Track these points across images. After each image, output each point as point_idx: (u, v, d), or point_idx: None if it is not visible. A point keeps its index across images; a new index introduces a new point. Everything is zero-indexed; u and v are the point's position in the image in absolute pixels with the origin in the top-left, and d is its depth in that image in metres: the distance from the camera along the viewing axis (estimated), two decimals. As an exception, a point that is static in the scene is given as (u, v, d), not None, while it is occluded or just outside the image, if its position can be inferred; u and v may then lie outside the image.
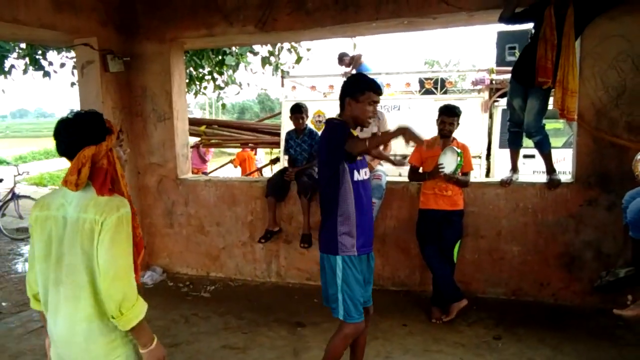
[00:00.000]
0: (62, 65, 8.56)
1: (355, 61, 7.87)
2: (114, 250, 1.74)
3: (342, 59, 8.07)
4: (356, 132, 2.78)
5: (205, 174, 9.01)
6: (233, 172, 10.61)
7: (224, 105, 10.41)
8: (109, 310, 1.75)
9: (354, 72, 7.76)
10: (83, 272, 1.76)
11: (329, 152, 2.71)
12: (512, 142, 4.62)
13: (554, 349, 3.56)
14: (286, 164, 5.44)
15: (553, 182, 4.25)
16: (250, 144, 9.16)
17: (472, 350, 3.60)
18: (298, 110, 4.94)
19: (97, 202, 1.77)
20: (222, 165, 11.09)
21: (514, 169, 4.58)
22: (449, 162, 3.85)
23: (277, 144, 8.37)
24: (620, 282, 3.46)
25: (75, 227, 1.76)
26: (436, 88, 7.39)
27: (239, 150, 10.11)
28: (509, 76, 4.75)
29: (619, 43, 3.94)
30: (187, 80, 9.05)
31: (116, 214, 1.75)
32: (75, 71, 5.77)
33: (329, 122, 2.84)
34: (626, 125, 4.01)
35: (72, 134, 1.79)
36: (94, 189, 1.79)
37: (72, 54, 7.08)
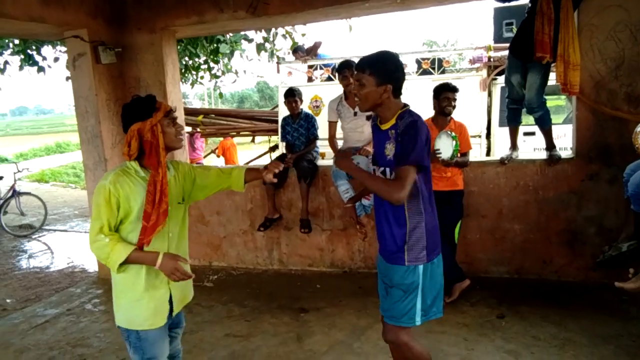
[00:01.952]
0: (56, 59, 8.49)
1: (313, 50, 8.10)
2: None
3: (296, 52, 8.21)
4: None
5: (200, 164, 8.97)
6: (216, 162, 10.48)
7: (221, 95, 10.32)
8: None
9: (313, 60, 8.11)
10: None
11: None
12: (511, 119, 4.56)
13: (557, 325, 3.54)
14: (284, 151, 5.40)
15: (553, 158, 4.21)
16: (248, 132, 9.10)
17: (475, 330, 3.58)
18: (291, 94, 4.89)
19: None
20: (205, 155, 10.94)
21: (514, 146, 4.52)
22: (445, 147, 3.74)
23: (276, 131, 8.31)
24: (623, 256, 3.43)
25: None
26: (433, 68, 7.29)
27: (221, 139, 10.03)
28: (506, 53, 4.67)
29: (617, 13, 3.86)
30: (183, 70, 8.98)
31: (97, 186, 2.11)
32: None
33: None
34: (626, 96, 3.95)
35: (123, 114, 2.18)
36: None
37: (66, 48, 7.03)
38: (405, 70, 8.21)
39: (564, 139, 6.25)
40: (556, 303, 3.91)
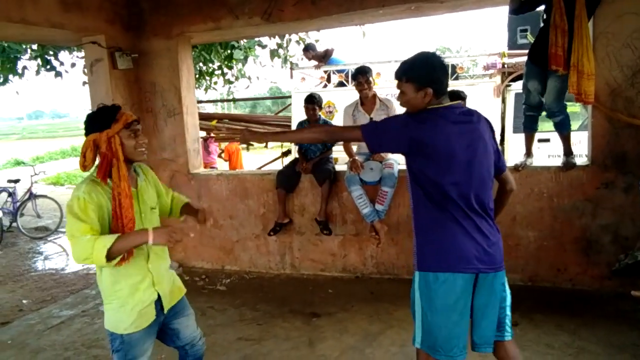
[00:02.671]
0: (73, 65, 8.64)
1: (325, 57, 8.12)
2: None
3: (307, 50, 8.16)
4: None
5: (215, 168, 9.04)
6: (225, 165, 10.49)
7: (234, 100, 10.42)
8: None
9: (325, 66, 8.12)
10: None
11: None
12: (528, 126, 4.54)
13: (572, 334, 3.51)
14: (297, 156, 5.43)
15: (569, 164, 4.18)
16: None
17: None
18: (311, 101, 4.90)
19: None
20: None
21: (529, 153, 4.50)
22: None
23: (288, 136, 8.34)
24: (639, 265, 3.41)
25: None
26: (447, 74, 7.28)
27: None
28: (520, 59, 4.66)
29: (633, 20, 3.84)
30: (197, 76, 9.09)
31: (70, 199, 2.05)
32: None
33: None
34: (642, 104, 3.91)
35: (85, 122, 2.14)
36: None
37: (83, 53, 7.15)
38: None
39: (579, 145, 6.19)
40: (571, 311, 3.87)
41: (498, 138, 6.99)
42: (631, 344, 3.32)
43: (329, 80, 8.21)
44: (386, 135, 2.23)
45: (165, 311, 2.32)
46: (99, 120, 2.10)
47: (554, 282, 4.36)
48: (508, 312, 2.36)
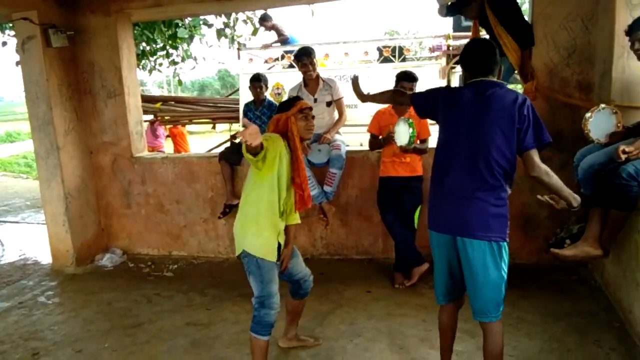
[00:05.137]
0: (4, 44, 8.07)
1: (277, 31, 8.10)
2: None
3: (265, 20, 8.06)
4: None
5: (162, 152, 8.77)
6: (171, 149, 10.21)
7: (180, 82, 10.09)
8: None
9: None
10: None
11: (541, 126, 2.39)
12: None
13: (512, 305, 3.66)
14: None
15: None
16: (208, 119, 8.95)
17: (434, 311, 3.60)
18: (257, 80, 4.83)
19: None
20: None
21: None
22: (402, 134, 3.77)
23: (237, 119, 8.21)
24: (574, 237, 3.58)
25: None
26: (394, 56, 7.35)
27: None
28: (465, 42, 4.74)
29: (569, 3, 3.98)
30: (140, 56, 8.72)
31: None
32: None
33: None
34: (577, 84, 4.09)
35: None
36: None
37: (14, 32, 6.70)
38: (367, 58, 8.23)
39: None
40: (511, 284, 3.97)
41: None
42: (565, 313, 3.52)
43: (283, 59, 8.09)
44: None
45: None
46: (282, 105, 2.83)
47: (495, 257, 4.52)
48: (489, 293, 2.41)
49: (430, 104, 2.63)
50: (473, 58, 2.48)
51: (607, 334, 3.20)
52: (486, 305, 2.42)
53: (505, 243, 2.37)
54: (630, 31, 3.03)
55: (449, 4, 4.03)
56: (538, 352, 3.08)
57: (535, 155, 2.33)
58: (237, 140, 4.96)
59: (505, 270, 2.40)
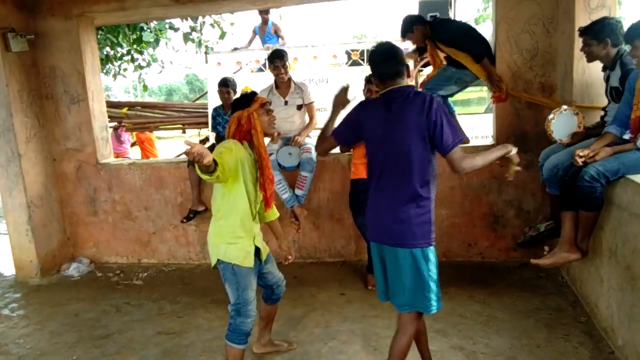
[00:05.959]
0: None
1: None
2: None
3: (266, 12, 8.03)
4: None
5: (127, 157, 8.58)
6: (138, 155, 10.01)
7: (145, 87, 9.92)
8: None
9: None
10: None
11: (451, 125, 2.33)
12: None
13: (482, 303, 3.74)
14: (215, 142, 5.28)
15: None
16: (177, 125, 8.80)
17: (407, 312, 3.69)
18: (225, 85, 4.79)
19: None
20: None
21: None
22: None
23: (206, 124, 8.11)
24: (542, 235, 3.68)
25: None
26: (363, 59, 7.40)
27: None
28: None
29: (530, 7, 4.10)
30: (104, 61, 8.54)
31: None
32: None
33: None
34: (540, 86, 4.21)
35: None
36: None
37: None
38: (336, 61, 8.23)
39: (485, 127, 6.57)
40: (481, 283, 4.12)
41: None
42: (534, 309, 3.60)
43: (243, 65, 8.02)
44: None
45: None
46: (241, 101, 2.72)
47: (465, 257, 4.61)
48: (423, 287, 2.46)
49: (352, 131, 2.54)
50: (378, 64, 2.43)
51: (575, 328, 3.29)
52: (413, 300, 2.50)
53: (431, 247, 2.42)
54: (582, 34, 3.16)
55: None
56: (509, 348, 3.14)
57: (455, 154, 2.29)
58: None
59: (435, 270, 2.45)
